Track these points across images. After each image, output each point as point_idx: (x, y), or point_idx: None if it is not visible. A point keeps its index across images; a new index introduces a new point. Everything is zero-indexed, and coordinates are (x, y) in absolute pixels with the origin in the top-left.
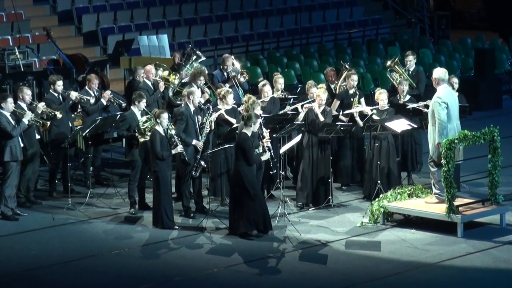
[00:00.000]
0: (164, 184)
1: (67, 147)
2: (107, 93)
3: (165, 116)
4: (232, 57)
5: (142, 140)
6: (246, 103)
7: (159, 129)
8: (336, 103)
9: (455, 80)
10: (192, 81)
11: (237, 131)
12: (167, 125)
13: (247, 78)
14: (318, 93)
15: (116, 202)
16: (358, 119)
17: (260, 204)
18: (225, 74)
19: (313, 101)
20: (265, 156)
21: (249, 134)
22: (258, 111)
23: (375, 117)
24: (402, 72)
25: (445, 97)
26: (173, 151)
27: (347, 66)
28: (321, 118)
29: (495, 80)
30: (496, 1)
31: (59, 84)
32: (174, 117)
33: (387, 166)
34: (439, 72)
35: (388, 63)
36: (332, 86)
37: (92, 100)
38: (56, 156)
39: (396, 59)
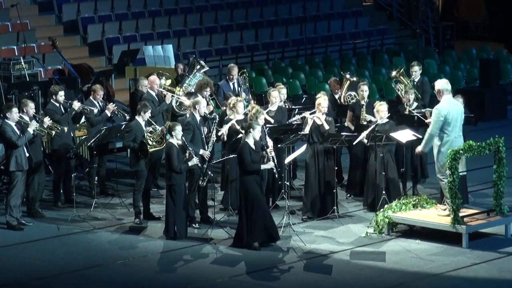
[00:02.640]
0: (179, 197)
1: (71, 157)
2: (111, 105)
3: (179, 128)
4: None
5: (152, 150)
6: (250, 112)
7: (174, 141)
8: (350, 114)
9: (460, 100)
10: (198, 91)
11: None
12: (181, 137)
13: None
14: (319, 101)
15: (120, 212)
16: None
17: (264, 215)
18: (231, 84)
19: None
20: (267, 165)
21: (250, 142)
22: (261, 120)
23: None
24: (407, 83)
25: (445, 109)
26: (190, 163)
27: (347, 76)
28: (326, 127)
29: (500, 90)
30: (501, 12)
31: (61, 95)
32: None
33: (387, 177)
34: (441, 83)
35: (394, 73)
36: (336, 96)
37: (96, 111)
38: (59, 166)
39: (402, 69)
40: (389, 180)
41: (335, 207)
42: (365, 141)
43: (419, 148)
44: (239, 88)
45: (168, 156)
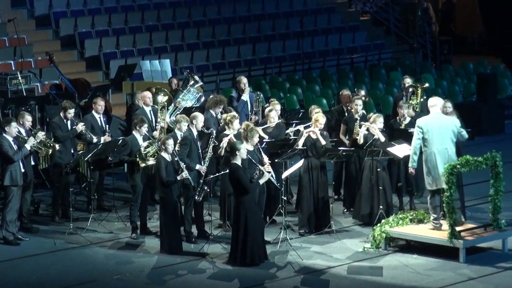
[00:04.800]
0: (171, 210)
1: (69, 172)
2: (81, 125)
3: (170, 142)
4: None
5: (143, 165)
6: (245, 130)
7: (165, 155)
8: (343, 127)
9: (448, 104)
10: (212, 108)
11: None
12: (173, 151)
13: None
14: (317, 117)
15: (117, 227)
16: (361, 140)
17: (256, 237)
18: (243, 97)
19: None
20: (264, 178)
21: (239, 163)
22: (256, 138)
23: (382, 138)
24: (419, 97)
25: (423, 123)
26: (178, 177)
27: (362, 94)
28: (323, 142)
29: (498, 105)
30: (498, 26)
31: (70, 112)
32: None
33: (384, 192)
34: (430, 100)
35: (419, 85)
36: (345, 109)
37: (95, 140)
38: (58, 181)
39: (426, 84)
40: (385, 194)
41: (332, 222)
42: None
43: (409, 165)
44: (253, 103)
45: (156, 169)
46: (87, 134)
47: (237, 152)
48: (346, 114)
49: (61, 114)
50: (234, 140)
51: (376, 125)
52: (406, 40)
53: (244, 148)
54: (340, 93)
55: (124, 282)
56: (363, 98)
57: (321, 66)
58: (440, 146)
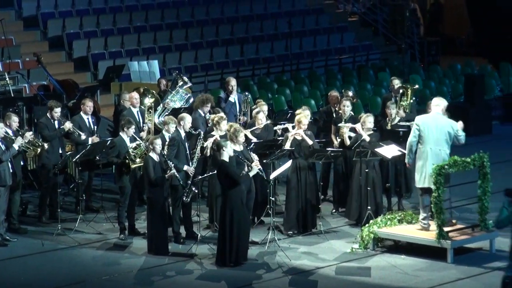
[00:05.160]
0: (158, 210)
1: (56, 172)
2: (68, 124)
3: (158, 142)
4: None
5: (133, 166)
6: (229, 132)
7: (153, 155)
8: (334, 128)
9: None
10: (199, 107)
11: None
12: (161, 151)
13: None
14: (300, 118)
15: (105, 228)
16: (347, 140)
17: (243, 237)
18: (231, 98)
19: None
20: (253, 171)
21: (227, 159)
22: (241, 138)
23: (367, 138)
24: (409, 98)
25: (420, 121)
26: (167, 176)
27: (349, 95)
28: (309, 142)
29: (485, 106)
30: (486, 27)
31: (57, 111)
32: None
33: (373, 193)
34: (434, 101)
35: (409, 86)
36: (333, 110)
37: (84, 137)
38: (45, 182)
39: (416, 86)
40: (375, 194)
41: (320, 223)
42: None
43: (406, 160)
44: (241, 104)
45: (144, 169)
46: (75, 131)
47: (223, 149)
48: (334, 115)
49: (48, 114)
50: (219, 139)
51: (365, 125)
52: (394, 41)
53: (230, 145)
54: (329, 94)
55: (113, 283)
56: (352, 99)
57: (309, 67)
58: (434, 146)
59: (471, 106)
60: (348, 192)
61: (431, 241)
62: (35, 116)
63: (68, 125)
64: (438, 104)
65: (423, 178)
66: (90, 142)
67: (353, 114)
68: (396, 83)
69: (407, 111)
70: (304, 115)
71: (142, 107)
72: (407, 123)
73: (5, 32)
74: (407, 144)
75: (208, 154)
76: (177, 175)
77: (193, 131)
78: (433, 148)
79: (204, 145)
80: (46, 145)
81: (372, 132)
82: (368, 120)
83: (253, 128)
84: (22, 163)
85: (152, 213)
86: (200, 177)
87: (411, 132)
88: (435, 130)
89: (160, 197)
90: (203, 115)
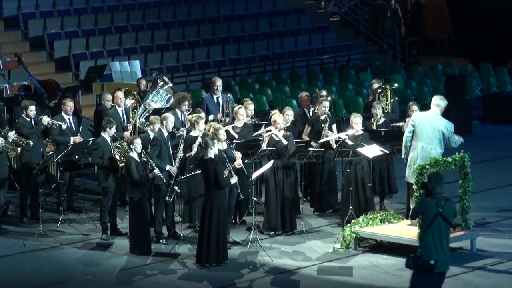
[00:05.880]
0: (141, 210)
1: (38, 173)
2: (46, 118)
3: (138, 141)
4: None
5: (122, 165)
6: (210, 132)
7: (134, 155)
8: (308, 128)
9: (415, 108)
10: (177, 106)
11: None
12: (142, 150)
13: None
14: (274, 118)
15: (87, 228)
16: (333, 144)
17: (221, 239)
18: (215, 98)
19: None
20: (233, 180)
21: (213, 157)
22: (222, 136)
23: (349, 142)
24: (388, 98)
25: (416, 117)
26: (150, 175)
27: (323, 94)
28: (284, 142)
29: (465, 105)
30: (466, 28)
31: (32, 109)
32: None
33: (362, 192)
34: (435, 99)
35: (388, 87)
36: (307, 111)
37: (64, 126)
38: (26, 182)
39: (395, 85)
40: (365, 196)
41: (302, 223)
42: (334, 145)
43: (403, 156)
44: (224, 105)
45: (126, 169)
46: (54, 124)
47: (211, 147)
48: (308, 115)
49: (23, 114)
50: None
51: (356, 127)
52: (376, 41)
53: (216, 143)
54: (299, 96)
55: (95, 283)
56: (326, 97)
57: (291, 67)
58: (426, 144)
59: (452, 106)
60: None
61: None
62: (16, 117)
63: (46, 119)
64: (439, 104)
65: (411, 173)
66: (72, 142)
67: (329, 113)
68: (375, 86)
69: (387, 111)
70: (278, 114)
71: (127, 106)
72: (398, 124)
73: None
74: (403, 140)
75: (192, 155)
76: (161, 175)
77: (176, 131)
78: (424, 146)
79: (187, 154)
80: (31, 142)
81: (362, 132)
82: (356, 121)
83: (233, 125)
84: (7, 163)
85: (134, 213)
86: (182, 177)
87: (406, 128)
88: (429, 128)
89: (142, 197)
90: (179, 114)
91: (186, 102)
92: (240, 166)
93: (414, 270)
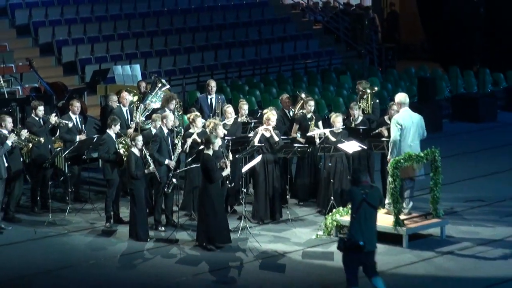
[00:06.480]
0: (139, 201)
1: (48, 167)
2: (53, 117)
3: (139, 138)
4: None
5: (125, 159)
6: (208, 126)
7: (135, 150)
8: (296, 126)
9: (395, 107)
10: (165, 105)
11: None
12: (142, 147)
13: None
14: (268, 116)
15: (93, 217)
16: (317, 140)
17: (222, 220)
18: (209, 98)
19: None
20: (225, 172)
21: (211, 153)
22: (220, 132)
23: (331, 138)
24: (369, 101)
25: (402, 119)
26: (146, 171)
27: (302, 96)
28: (276, 138)
29: (436, 105)
30: (438, 35)
31: (40, 109)
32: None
33: (340, 185)
34: (400, 97)
35: (368, 91)
36: (287, 112)
37: (71, 124)
38: (37, 175)
39: (375, 89)
40: (342, 188)
41: (288, 212)
42: (317, 141)
43: (388, 157)
44: (216, 105)
45: (127, 163)
46: (62, 122)
47: (211, 145)
48: (289, 115)
49: (33, 113)
50: (197, 138)
51: (335, 124)
52: (355, 47)
53: (218, 142)
54: (280, 98)
55: (100, 267)
56: (305, 97)
57: (277, 70)
58: (410, 141)
59: (424, 106)
60: (318, 185)
61: (389, 228)
62: (27, 116)
63: (53, 118)
64: (406, 102)
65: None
66: (77, 140)
67: (315, 112)
68: (363, 86)
69: (368, 111)
70: (272, 113)
71: (130, 106)
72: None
73: (0, 39)
74: (392, 141)
75: (187, 150)
76: (155, 171)
77: (175, 128)
78: (409, 143)
79: (186, 144)
80: (42, 139)
81: (341, 130)
82: (337, 120)
83: (223, 122)
84: (21, 159)
85: (134, 203)
86: (179, 170)
87: (393, 131)
88: (413, 126)
89: (140, 188)
90: (168, 111)
91: (174, 101)
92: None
93: (345, 252)
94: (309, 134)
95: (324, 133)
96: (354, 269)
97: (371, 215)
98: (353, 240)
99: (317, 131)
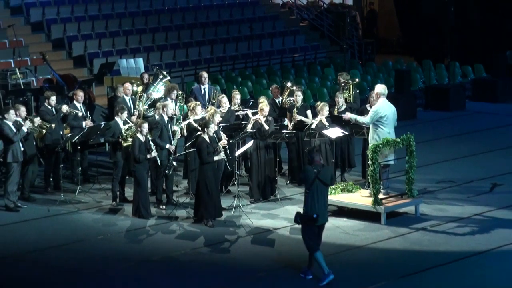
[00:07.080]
0: (142, 182)
1: (60, 151)
2: (65, 107)
3: (145, 125)
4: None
5: (125, 144)
6: (208, 112)
7: (140, 136)
8: (289, 115)
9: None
10: (167, 94)
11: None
12: (147, 133)
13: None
14: (262, 106)
15: (100, 196)
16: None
17: (215, 198)
18: (202, 88)
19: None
20: (219, 156)
21: (206, 138)
22: (217, 119)
23: (325, 123)
24: (351, 91)
25: (382, 109)
26: (148, 156)
27: (288, 86)
28: (266, 127)
29: (411, 95)
30: (412, 31)
31: (53, 99)
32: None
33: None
34: (379, 88)
35: (350, 82)
36: (277, 101)
37: (80, 114)
38: (50, 159)
39: (356, 80)
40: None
41: (277, 192)
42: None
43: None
44: (210, 95)
45: (131, 148)
46: (72, 112)
47: (206, 128)
48: (278, 103)
49: (46, 103)
50: (194, 124)
51: (322, 112)
52: (338, 42)
53: (214, 128)
54: (271, 88)
55: (107, 241)
56: (292, 87)
57: (267, 63)
58: (389, 129)
59: (400, 96)
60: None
61: (368, 207)
62: (41, 105)
63: (65, 107)
64: (385, 93)
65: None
66: (84, 126)
67: (304, 102)
68: (344, 78)
69: (350, 101)
70: (265, 104)
71: (133, 96)
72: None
73: (16, 35)
74: (363, 121)
75: (185, 134)
76: (157, 157)
77: (175, 116)
78: (390, 132)
79: (180, 126)
80: (53, 125)
81: (325, 117)
82: (325, 108)
83: (219, 110)
84: (34, 143)
85: (136, 183)
86: (179, 154)
87: (370, 118)
88: (392, 115)
89: (142, 170)
90: (170, 100)
91: (175, 91)
92: (225, 145)
93: (301, 225)
94: (298, 118)
95: (321, 120)
96: (312, 237)
97: (322, 191)
98: (308, 214)
99: (315, 120)
